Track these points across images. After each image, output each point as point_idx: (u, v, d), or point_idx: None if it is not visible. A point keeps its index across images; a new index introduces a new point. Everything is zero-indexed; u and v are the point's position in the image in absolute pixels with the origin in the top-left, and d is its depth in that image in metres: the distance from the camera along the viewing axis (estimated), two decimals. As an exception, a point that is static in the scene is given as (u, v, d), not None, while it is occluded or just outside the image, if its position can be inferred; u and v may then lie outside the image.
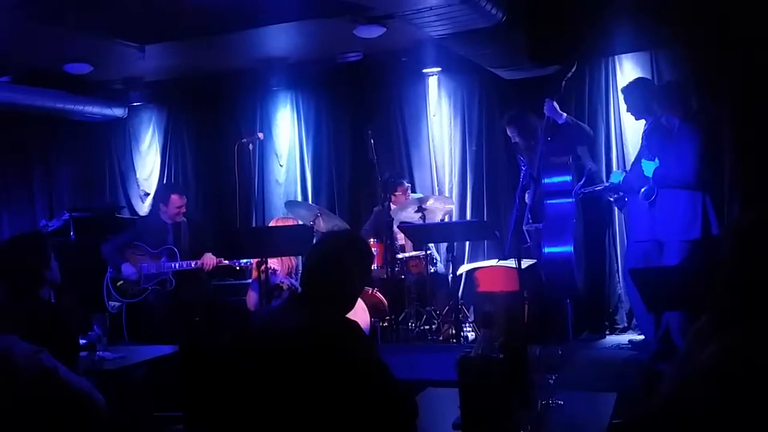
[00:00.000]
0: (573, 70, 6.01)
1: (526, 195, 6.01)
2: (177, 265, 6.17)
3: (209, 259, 6.17)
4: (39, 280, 3.35)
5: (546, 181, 5.82)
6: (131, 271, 6.18)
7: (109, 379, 3.72)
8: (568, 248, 5.61)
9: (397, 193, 6.67)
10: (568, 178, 5.80)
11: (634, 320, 6.33)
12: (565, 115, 5.81)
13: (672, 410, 1.89)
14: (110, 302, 6.27)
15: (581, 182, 5.71)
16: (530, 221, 5.94)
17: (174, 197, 6.38)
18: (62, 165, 8.74)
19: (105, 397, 2.77)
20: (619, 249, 6.51)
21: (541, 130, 5.90)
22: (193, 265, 6.17)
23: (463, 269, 6.66)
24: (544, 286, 5.75)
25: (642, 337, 5.84)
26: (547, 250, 5.67)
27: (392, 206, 6.37)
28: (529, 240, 6.01)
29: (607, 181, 5.70)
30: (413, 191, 7.24)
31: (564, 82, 5.94)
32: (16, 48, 6.51)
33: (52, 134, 8.49)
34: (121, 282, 6.20)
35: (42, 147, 8.59)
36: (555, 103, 5.79)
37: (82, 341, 3.84)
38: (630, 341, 5.97)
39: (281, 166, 8.12)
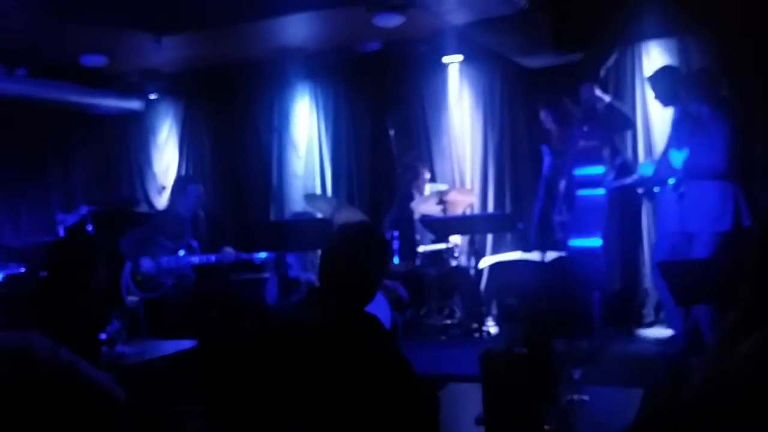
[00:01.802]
0: (614, 57, 5.92)
1: (562, 184, 5.92)
2: (196, 259, 6.17)
3: (229, 254, 6.17)
4: (84, 281, 3.37)
5: (578, 172, 5.72)
6: (150, 265, 6.17)
7: (128, 373, 3.73)
8: (596, 241, 5.51)
9: (411, 175, 6.67)
10: (601, 169, 5.69)
11: (661, 314, 6.25)
12: (608, 98, 5.67)
13: (702, 405, 1.85)
14: (129, 297, 6.27)
15: (612, 175, 5.61)
16: (564, 212, 5.84)
17: (191, 188, 6.40)
18: (79, 158, 8.82)
19: (125, 392, 2.75)
20: (646, 242, 6.41)
21: (575, 119, 5.79)
22: (212, 260, 6.17)
23: (485, 262, 6.61)
24: (571, 279, 5.67)
25: (671, 331, 5.74)
26: (573, 242, 5.58)
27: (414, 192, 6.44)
28: (559, 231, 5.91)
29: (636, 174, 5.60)
30: (433, 181, 7.19)
31: (604, 70, 5.85)
32: (32, 40, 6.54)
33: (68, 127, 8.55)
34: (140, 276, 6.19)
35: (58, 140, 8.67)
36: (597, 88, 5.67)
37: (101, 336, 3.86)
38: (658, 340, 5.85)
39: (299, 158, 8.10)
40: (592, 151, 5.76)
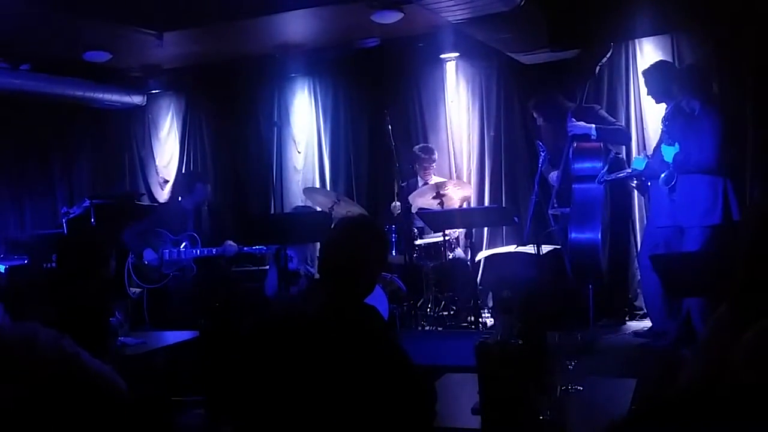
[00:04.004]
0: (609, 54, 5.96)
1: (552, 178, 5.97)
2: (198, 251, 6.21)
3: (231, 247, 6.21)
4: (94, 273, 3.43)
5: (577, 166, 5.75)
6: (153, 257, 6.22)
7: (130, 364, 3.76)
8: (595, 234, 5.54)
9: (422, 164, 6.73)
10: (599, 164, 5.72)
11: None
12: (593, 126, 5.72)
13: (695, 394, 1.88)
14: (131, 288, 6.33)
15: (605, 169, 5.65)
16: (556, 205, 5.89)
17: (199, 186, 6.43)
18: (82, 152, 8.82)
19: (126, 382, 2.80)
20: (639, 235, 6.46)
21: (570, 115, 5.82)
22: (214, 252, 6.21)
23: (481, 255, 6.66)
24: (567, 272, 5.71)
25: (649, 324, 5.79)
26: (574, 235, 5.61)
27: (419, 180, 6.62)
28: (553, 224, 5.97)
29: (629, 167, 5.65)
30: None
31: (599, 67, 5.91)
32: (36, 36, 6.54)
33: (72, 122, 8.55)
34: (143, 268, 6.24)
35: (62, 135, 8.66)
36: (573, 121, 5.73)
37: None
38: (634, 332, 5.87)
39: (299, 152, 8.14)
40: (592, 146, 5.79)
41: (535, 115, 6.23)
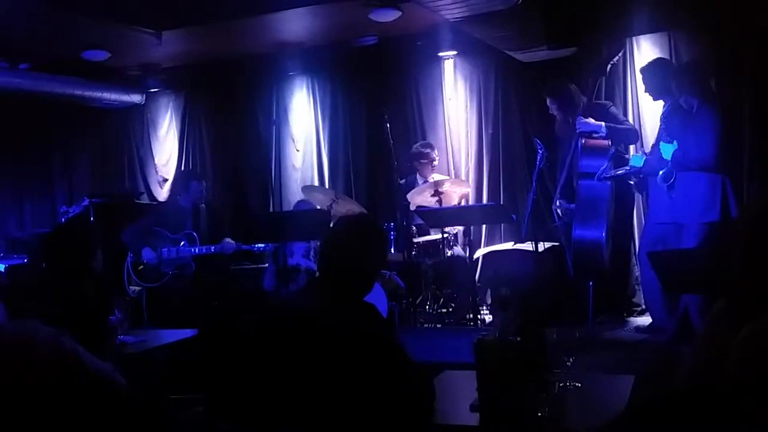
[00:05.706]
0: (620, 53, 5.95)
1: (561, 176, 5.95)
2: (197, 250, 6.22)
3: (229, 245, 6.22)
4: (83, 267, 3.42)
5: (583, 162, 5.72)
6: (152, 255, 6.23)
7: (130, 362, 3.77)
8: (600, 232, 5.51)
9: (423, 161, 6.69)
10: (606, 161, 5.67)
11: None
12: (603, 124, 5.69)
13: (692, 391, 1.89)
14: (131, 287, 6.33)
15: (605, 166, 5.64)
16: (560, 201, 5.88)
17: (194, 184, 6.43)
18: (81, 151, 8.84)
19: (126, 380, 2.81)
20: (637, 232, 6.47)
21: (581, 111, 5.81)
22: (213, 250, 6.21)
23: (480, 252, 6.67)
24: (567, 268, 5.71)
25: (648, 320, 5.81)
26: (578, 232, 5.57)
27: (418, 177, 6.59)
28: (557, 220, 5.95)
29: (628, 165, 5.65)
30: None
31: (610, 65, 5.90)
32: (35, 35, 6.56)
33: (71, 121, 8.57)
34: (142, 267, 6.24)
35: (61, 134, 8.68)
36: (582, 118, 5.69)
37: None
38: (636, 327, 5.88)
39: (298, 151, 8.15)
40: (599, 144, 5.76)
41: (548, 102, 6.13)
